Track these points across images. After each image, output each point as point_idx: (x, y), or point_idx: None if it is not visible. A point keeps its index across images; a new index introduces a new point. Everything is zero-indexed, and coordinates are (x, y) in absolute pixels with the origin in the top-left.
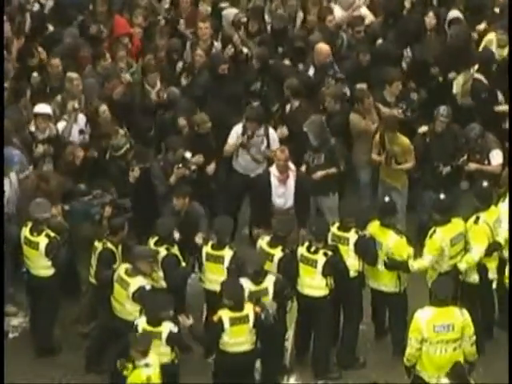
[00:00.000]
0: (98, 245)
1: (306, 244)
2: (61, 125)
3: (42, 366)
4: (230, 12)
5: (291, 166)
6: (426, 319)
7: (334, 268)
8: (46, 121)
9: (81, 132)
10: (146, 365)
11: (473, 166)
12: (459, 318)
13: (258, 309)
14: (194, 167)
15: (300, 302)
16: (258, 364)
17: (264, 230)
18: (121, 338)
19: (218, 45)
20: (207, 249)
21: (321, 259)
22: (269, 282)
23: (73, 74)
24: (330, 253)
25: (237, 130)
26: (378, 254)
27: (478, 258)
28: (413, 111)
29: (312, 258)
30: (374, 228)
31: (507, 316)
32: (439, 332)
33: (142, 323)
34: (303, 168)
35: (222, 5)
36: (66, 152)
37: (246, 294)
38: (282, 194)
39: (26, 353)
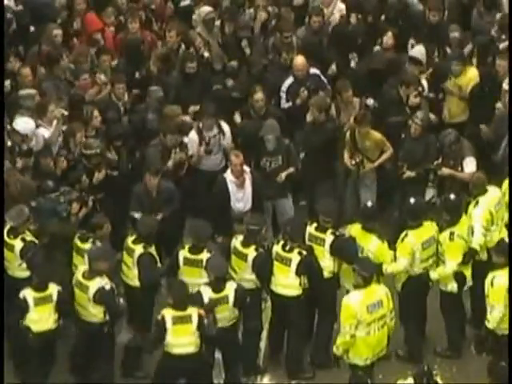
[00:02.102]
0: (85, 245)
1: (282, 243)
2: (44, 132)
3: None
4: (202, 10)
5: (246, 169)
6: (357, 302)
7: (308, 268)
8: (20, 138)
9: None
10: None
11: (446, 170)
12: (383, 292)
13: (202, 312)
14: (190, 152)
15: (274, 301)
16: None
17: (224, 237)
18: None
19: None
20: (185, 253)
21: (295, 258)
22: (229, 290)
23: (31, 91)
24: (304, 252)
25: (192, 138)
26: (358, 254)
27: (451, 271)
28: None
29: (286, 256)
30: (355, 231)
31: (479, 314)
32: (372, 311)
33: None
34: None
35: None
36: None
37: (206, 300)
38: (241, 198)
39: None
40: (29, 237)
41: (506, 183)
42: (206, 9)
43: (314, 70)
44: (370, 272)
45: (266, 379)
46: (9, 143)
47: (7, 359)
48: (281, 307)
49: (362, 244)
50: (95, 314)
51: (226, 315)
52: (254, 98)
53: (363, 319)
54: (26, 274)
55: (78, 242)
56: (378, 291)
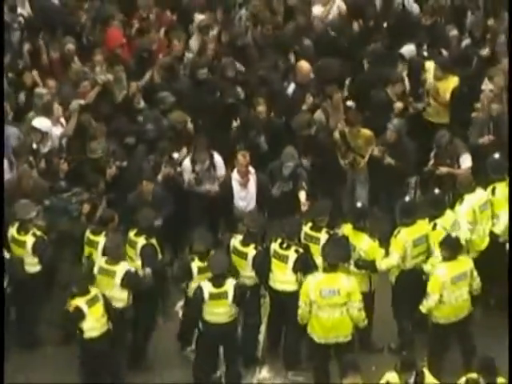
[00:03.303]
0: (99, 237)
1: (279, 241)
2: (55, 130)
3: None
4: (197, 18)
5: (251, 169)
6: (313, 283)
7: (304, 264)
8: (40, 135)
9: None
10: None
11: (443, 169)
12: (345, 284)
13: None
14: (179, 168)
15: (272, 296)
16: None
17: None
18: None
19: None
20: (197, 263)
21: (292, 255)
22: (229, 286)
23: (42, 90)
24: (300, 250)
25: (186, 166)
26: (351, 252)
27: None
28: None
29: (284, 253)
30: (347, 231)
31: None
32: (325, 296)
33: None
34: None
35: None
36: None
37: (206, 296)
38: (244, 197)
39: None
40: (38, 232)
41: (489, 189)
42: (201, 16)
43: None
44: (335, 260)
45: (264, 371)
46: (34, 145)
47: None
48: (278, 302)
49: (354, 243)
50: (122, 297)
51: (225, 310)
52: (257, 110)
53: (315, 300)
54: (36, 268)
55: (90, 236)
56: (339, 280)
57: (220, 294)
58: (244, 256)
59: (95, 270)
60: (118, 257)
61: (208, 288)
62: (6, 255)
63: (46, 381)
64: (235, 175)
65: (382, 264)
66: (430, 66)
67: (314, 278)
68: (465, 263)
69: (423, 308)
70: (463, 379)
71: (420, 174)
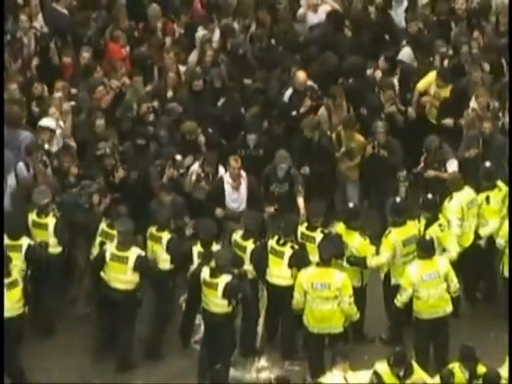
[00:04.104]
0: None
1: (276, 237)
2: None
3: (38, 349)
4: (200, 33)
5: (243, 174)
6: (306, 275)
7: (299, 260)
8: (49, 133)
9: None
10: None
11: (431, 172)
12: (336, 279)
13: None
14: (182, 170)
15: (269, 290)
16: None
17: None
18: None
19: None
20: (198, 248)
21: (288, 251)
22: (221, 280)
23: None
24: (296, 246)
25: (194, 169)
26: (344, 250)
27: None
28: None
29: (280, 250)
30: (340, 229)
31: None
32: (316, 289)
33: None
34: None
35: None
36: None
37: (201, 280)
38: (235, 199)
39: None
40: (57, 213)
41: (483, 196)
42: (203, 31)
43: (309, 82)
44: (328, 255)
45: (262, 360)
46: (46, 145)
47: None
48: (275, 296)
49: (346, 241)
50: (132, 280)
51: (214, 301)
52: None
53: (307, 291)
54: (58, 250)
55: (106, 228)
56: (331, 275)
57: (212, 284)
58: (243, 250)
59: (107, 256)
60: (129, 243)
61: (205, 274)
62: (26, 241)
63: None
64: (227, 178)
65: (372, 262)
66: (432, 74)
67: (307, 271)
68: (438, 264)
69: (397, 302)
70: (446, 368)
71: (409, 173)
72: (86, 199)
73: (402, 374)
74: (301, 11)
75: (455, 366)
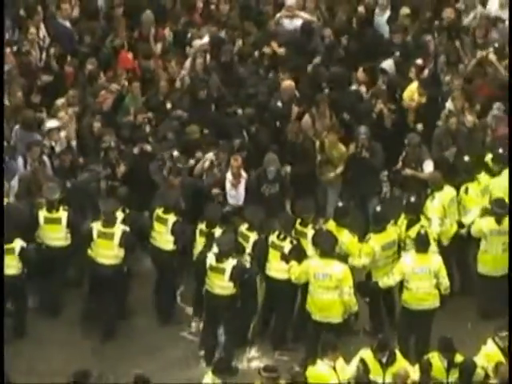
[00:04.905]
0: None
1: (277, 233)
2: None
3: (40, 339)
4: (196, 42)
5: (243, 173)
6: (311, 265)
7: (298, 254)
8: (56, 134)
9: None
10: None
11: (408, 171)
12: (338, 270)
13: None
14: (179, 165)
15: (266, 283)
16: None
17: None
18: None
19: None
20: (201, 226)
21: (287, 246)
22: (228, 264)
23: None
24: (295, 241)
25: (209, 156)
26: (335, 245)
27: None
28: None
29: (280, 244)
30: (330, 227)
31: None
32: (318, 278)
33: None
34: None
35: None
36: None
37: (208, 265)
38: (234, 196)
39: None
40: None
41: (462, 188)
42: (199, 41)
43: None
44: (328, 247)
45: (253, 351)
46: (53, 143)
47: None
48: (272, 289)
49: (337, 237)
50: (118, 255)
51: (220, 284)
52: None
53: (310, 279)
54: (67, 242)
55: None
56: (331, 266)
57: (219, 268)
58: (247, 239)
59: (94, 234)
60: (113, 220)
61: (211, 260)
62: (18, 244)
63: None
64: (229, 176)
65: (355, 262)
66: (414, 85)
67: (313, 261)
68: (431, 261)
69: (381, 282)
70: (425, 357)
71: (389, 171)
72: (94, 185)
73: (385, 361)
74: (277, 16)
75: (434, 356)
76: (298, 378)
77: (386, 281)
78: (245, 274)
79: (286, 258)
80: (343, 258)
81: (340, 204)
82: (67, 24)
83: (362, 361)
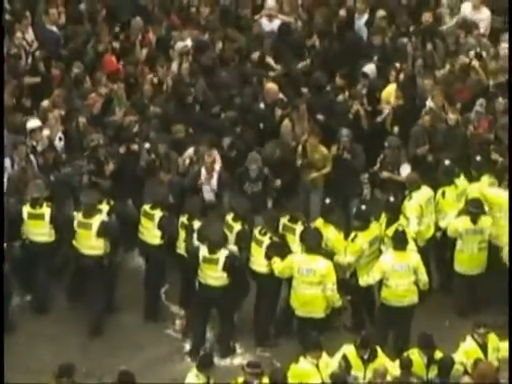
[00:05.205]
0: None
1: (259, 228)
2: (46, 132)
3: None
4: (178, 45)
5: (217, 168)
6: (295, 260)
7: (277, 250)
8: (39, 133)
9: (60, 139)
10: None
11: (385, 174)
12: (321, 266)
13: None
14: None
15: (251, 276)
16: None
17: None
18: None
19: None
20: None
21: (266, 241)
22: (221, 255)
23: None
24: (274, 238)
25: (188, 155)
26: (321, 242)
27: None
28: None
29: (260, 239)
30: (318, 224)
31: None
32: (302, 274)
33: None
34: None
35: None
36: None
37: (201, 257)
38: (208, 190)
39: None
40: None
41: (439, 192)
42: (181, 43)
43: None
44: (314, 244)
45: (236, 347)
46: (34, 143)
47: None
48: (256, 283)
49: (323, 233)
50: (97, 245)
51: (213, 275)
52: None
53: (294, 274)
54: (51, 238)
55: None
56: (315, 261)
57: (212, 259)
58: (231, 230)
59: (75, 224)
60: (93, 211)
61: (203, 252)
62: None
63: None
64: (203, 171)
65: (340, 259)
66: (392, 87)
67: (297, 256)
68: (409, 257)
69: (361, 281)
70: (406, 354)
71: (368, 174)
72: (77, 179)
73: (366, 357)
74: (257, 16)
75: (414, 352)
76: (279, 374)
77: (365, 279)
78: (236, 262)
79: (267, 255)
80: (329, 254)
81: (327, 201)
82: (54, 29)
83: (345, 357)
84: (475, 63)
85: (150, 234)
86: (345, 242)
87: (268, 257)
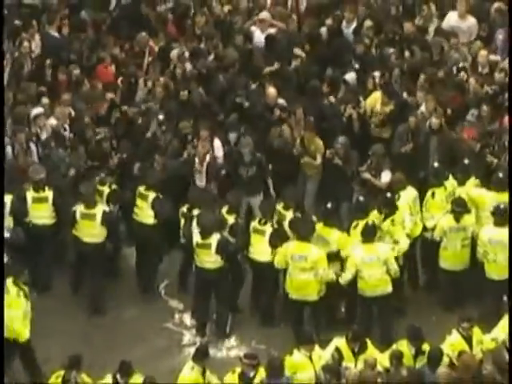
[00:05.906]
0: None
1: (258, 219)
2: (52, 121)
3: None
4: (174, 52)
5: (208, 158)
6: (288, 248)
7: (280, 237)
8: (41, 119)
9: (64, 129)
10: None
11: (367, 175)
12: (313, 253)
13: None
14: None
15: (250, 266)
16: None
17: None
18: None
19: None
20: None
21: (268, 229)
22: (213, 239)
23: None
24: (276, 226)
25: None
26: (311, 231)
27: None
28: None
29: (261, 228)
30: (318, 228)
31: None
32: (295, 260)
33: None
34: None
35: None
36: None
37: (194, 244)
38: (200, 178)
39: None
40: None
41: (429, 193)
42: (176, 51)
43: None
44: (304, 232)
45: (232, 340)
46: (38, 130)
47: None
48: (256, 272)
49: (324, 236)
50: (101, 233)
51: (208, 259)
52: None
53: (288, 261)
54: (53, 220)
55: (98, 187)
56: (307, 249)
57: (205, 244)
58: (226, 222)
59: (77, 216)
60: (94, 201)
61: (196, 237)
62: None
63: None
64: (196, 161)
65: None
66: (377, 94)
67: (289, 244)
68: (378, 249)
69: (341, 280)
70: (394, 346)
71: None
72: (65, 167)
73: (357, 349)
74: (247, 24)
75: (403, 344)
76: (276, 361)
77: (344, 276)
78: (229, 247)
79: (272, 244)
80: (334, 256)
81: (328, 205)
82: (57, 35)
83: (337, 349)
84: (463, 75)
85: (144, 213)
86: (349, 239)
87: (272, 245)
